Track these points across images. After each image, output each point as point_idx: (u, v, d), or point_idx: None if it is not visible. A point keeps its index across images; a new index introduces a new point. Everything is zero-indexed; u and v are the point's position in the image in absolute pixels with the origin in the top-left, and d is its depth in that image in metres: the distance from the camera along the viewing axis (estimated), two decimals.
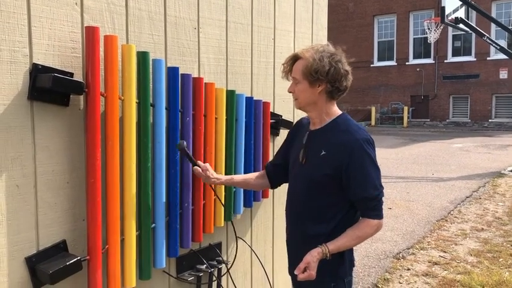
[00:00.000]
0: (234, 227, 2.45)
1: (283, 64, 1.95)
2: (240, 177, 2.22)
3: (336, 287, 1.89)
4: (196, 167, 2.02)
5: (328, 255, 1.78)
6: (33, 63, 1.66)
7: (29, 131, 1.68)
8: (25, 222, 1.68)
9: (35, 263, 1.70)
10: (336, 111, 1.92)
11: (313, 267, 1.77)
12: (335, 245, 1.79)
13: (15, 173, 1.65)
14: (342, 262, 1.88)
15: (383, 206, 1.86)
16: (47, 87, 1.64)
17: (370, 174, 1.79)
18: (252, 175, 2.20)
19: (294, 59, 1.89)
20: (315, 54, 1.81)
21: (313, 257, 1.78)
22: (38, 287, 1.71)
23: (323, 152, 1.85)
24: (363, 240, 1.87)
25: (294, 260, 1.93)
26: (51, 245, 1.75)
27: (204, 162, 2.14)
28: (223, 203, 2.35)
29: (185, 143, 1.99)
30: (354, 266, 1.97)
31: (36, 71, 1.67)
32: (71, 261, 1.72)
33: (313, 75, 1.79)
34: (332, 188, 1.84)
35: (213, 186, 2.23)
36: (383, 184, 1.84)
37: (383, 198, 1.85)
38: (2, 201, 1.62)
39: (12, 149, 1.63)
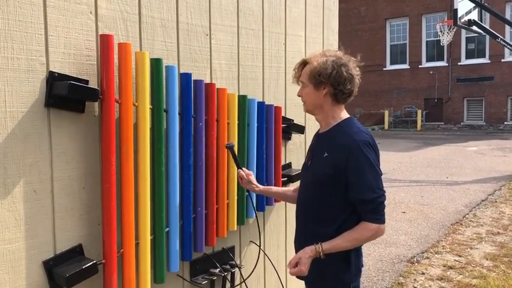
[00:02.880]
0: (258, 225, 2.48)
1: (294, 70, 2.01)
2: (278, 188, 2.37)
3: None
4: (240, 170, 2.21)
5: (321, 254, 1.81)
6: (50, 71, 1.71)
7: (46, 138, 1.72)
8: (42, 226, 1.72)
9: (52, 267, 1.73)
10: (343, 115, 1.95)
11: (304, 263, 1.81)
12: (329, 245, 1.82)
13: (33, 179, 1.69)
14: (348, 267, 1.89)
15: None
16: (63, 95, 1.68)
17: (366, 176, 1.80)
18: (290, 188, 2.29)
19: (304, 64, 1.96)
20: (320, 58, 1.88)
21: (305, 253, 1.83)
22: None
23: (326, 154, 1.89)
24: (360, 243, 1.87)
25: None
26: (68, 249, 1.79)
27: (216, 167, 2.24)
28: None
29: (234, 143, 2.24)
30: (361, 272, 1.98)
31: (53, 79, 1.71)
32: (87, 265, 1.75)
33: (317, 78, 1.86)
34: (333, 188, 1.86)
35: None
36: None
37: (385, 202, 1.85)
38: (20, 206, 1.66)
39: (30, 155, 1.67)
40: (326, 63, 1.85)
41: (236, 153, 2.26)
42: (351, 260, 1.89)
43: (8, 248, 1.63)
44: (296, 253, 2.02)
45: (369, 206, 1.80)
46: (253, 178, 2.25)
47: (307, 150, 2.18)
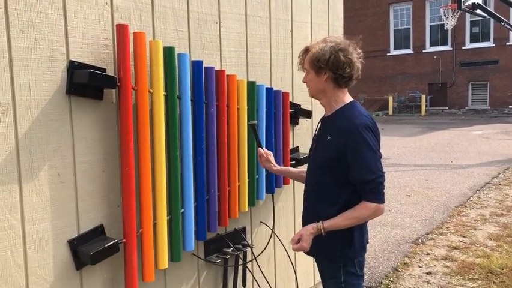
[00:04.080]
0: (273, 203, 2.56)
1: (298, 57, 2.09)
2: (295, 169, 2.43)
3: (346, 266, 2.00)
4: (260, 148, 2.26)
5: (322, 231, 1.91)
6: (70, 61, 1.79)
7: (68, 124, 1.81)
8: (66, 208, 1.82)
9: (76, 246, 1.84)
10: (346, 99, 2.02)
11: (306, 239, 1.92)
12: (330, 223, 1.92)
13: (57, 163, 1.78)
14: (352, 244, 1.99)
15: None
16: (84, 82, 1.77)
17: (365, 158, 1.88)
18: (304, 169, 2.33)
19: (307, 51, 2.03)
20: (319, 45, 1.96)
21: (307, 230, 1.93)
22: (79, 267, 1.86)
23: (329, 137, 1.97)
24: (359, 222, 1.95)
25: None
26: (91, 229, 1.89)
27: (227, 151, 2.34)
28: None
29: (256, 122, 2.27)
30: (365, 248, 2.07)
31: (73, 68, 1.80)
32: (109, 244, 1.86)
33: (316, 63, 1.94)
34: (336, 170, 1.94)
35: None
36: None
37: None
38: (46, 189, 1.76)
39: (53, 141, 1.77)
40: (324, 49, 1.92)
41: (257, 132, 2.32)
42: (355, 237, 1.99)
43: (36, 228, 1.73)
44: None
45: (368, 186, 1.89)
46: (272, 158, 2.32)
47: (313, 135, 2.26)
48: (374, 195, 1.90)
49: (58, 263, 1.80)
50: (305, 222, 2.10)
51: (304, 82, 2.08)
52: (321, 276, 2.15)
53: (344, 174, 1.94)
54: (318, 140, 2.07)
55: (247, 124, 2.33)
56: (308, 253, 2.07)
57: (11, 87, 1.65)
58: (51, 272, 1.78)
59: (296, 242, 1.95)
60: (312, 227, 1.93)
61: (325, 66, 1.92)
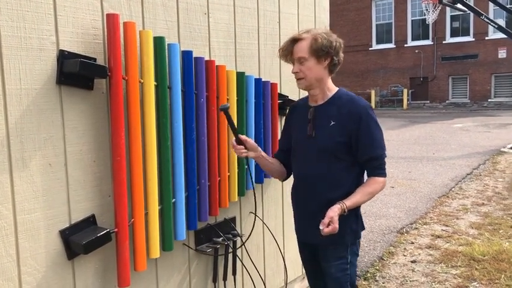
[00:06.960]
0: (255, 196, 2.58)
1: (281, 48, 2.08)
2: (266, 158, 2.23)
3: (352, 246, 2.10)
4: (240, 135, 2.06)
5: (346, 210, 1.96)
6: (60, 50, 1.78)
7: (58, 114, 1.80)
8: (58, 198, 1.81)
9: (68, 236, 1.84)
10: (334, 86, 2.12)
11: (336, 220, 1.93)
12: (351, 201, 1.98)
13: (48, 153, 1.78)
14: (358, 220, 2.11)
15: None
16: (75, 72, 1.76)
17: (377, 136, 2.02)
18: (274, 160, 2.27)
19: (294, 41, 2.03)
20: (317, 33, 2.00)
21: (334, 212, 1.93)
22: (71, 257, 1.86)
23: (332, 123, 2.02)
24: (373, 196, 2.06)
25: (310, 231, 2.08)
26: (82, 219, 1.89)
27: (217, 141, 2.35)
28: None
29: (228, 105, 2.02)
30: (364, 227, 2.19)
31: (63, 57, 1.78)
32: (101, 233, 1.86)
33: (323, 49, 1.97)
34: (342, 154, 2.02)
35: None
36: (387, 164, 2.18)
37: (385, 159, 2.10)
38: (37, 179, 1.75)
39: (44, 130, 1.76)
40: (329, 36, 1.99)
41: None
42: (358, 214, 2.12)
43: (28, 218, 1.73)
44: (305, 226, 2.15)
45: (377, 162, 2.03)
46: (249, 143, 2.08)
47: (295, 122, 2.19)
48: (381, 170, 2.04)
49: (50, 253, 1.80)
50: (309, 213, 2.10)
51: (296, 73, 2.04)
52: (324, 262, 2.12)
53: (351, 156, 2.03)
54: (316, 127, 2.06)
55: (219, 109, 2.04)
56: (314, 240, 2.07)
57: (1, 77, 1.64)
58: (43, 262, 1.78)
59: (327, 225, 1.91)
60: (337, 208, 1.94)
61: (333, 51, 1.99)
